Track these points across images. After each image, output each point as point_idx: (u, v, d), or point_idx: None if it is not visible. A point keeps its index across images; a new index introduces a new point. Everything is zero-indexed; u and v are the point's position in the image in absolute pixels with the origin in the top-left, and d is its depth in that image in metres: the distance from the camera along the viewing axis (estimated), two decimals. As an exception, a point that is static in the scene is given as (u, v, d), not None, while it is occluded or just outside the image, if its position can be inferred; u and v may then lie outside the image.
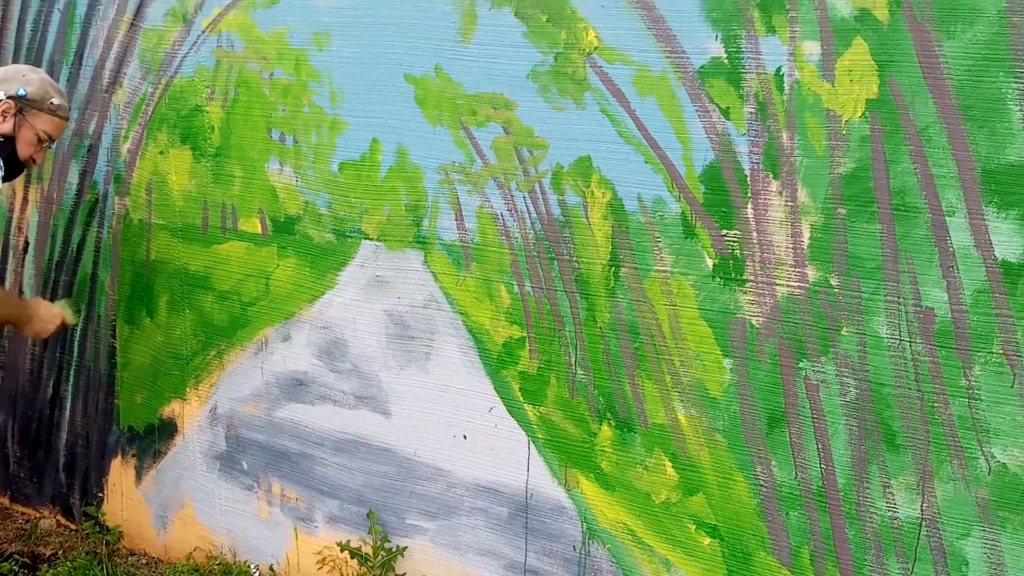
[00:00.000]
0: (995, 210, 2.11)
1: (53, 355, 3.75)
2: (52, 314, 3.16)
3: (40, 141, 3.00)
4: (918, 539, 2.29)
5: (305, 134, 3.02)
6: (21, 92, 2.92)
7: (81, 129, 3.51)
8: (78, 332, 3.67)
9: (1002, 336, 2.12)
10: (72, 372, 3.73)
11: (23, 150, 2.98)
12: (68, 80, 3.50)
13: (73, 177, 3.56)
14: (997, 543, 2.19)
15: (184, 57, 3.22)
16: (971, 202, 2.13)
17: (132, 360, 3.56)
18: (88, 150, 3.51)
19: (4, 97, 2.91)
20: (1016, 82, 2.06)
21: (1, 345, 3.92)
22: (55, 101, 2.98)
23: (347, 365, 3.08)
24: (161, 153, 3.33)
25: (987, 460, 2.18)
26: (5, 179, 3.03)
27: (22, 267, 3.79)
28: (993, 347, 2.13)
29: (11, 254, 3.81)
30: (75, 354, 3.70)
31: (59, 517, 3.88)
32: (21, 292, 3.81)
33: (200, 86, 3.20)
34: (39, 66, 3.50)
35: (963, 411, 2.19)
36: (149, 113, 3.34)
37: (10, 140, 2.94)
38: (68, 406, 3.77)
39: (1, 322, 3.14)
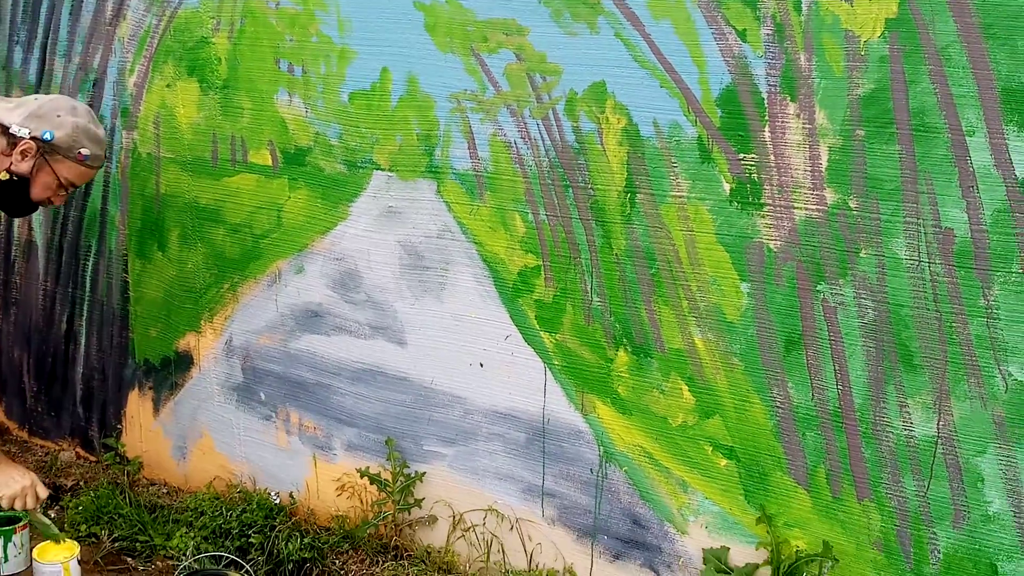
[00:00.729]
0: (1015, 129, 2.10)
1: (65, 290, 3.76)
2: (15, 493, 2.83)
3: (61, 186, 2.83)
4: (934, 456, 2.32)
5: (314, 64, 2.99)
6: (47, 136, 2.71)
7: (86, 63, 3.47)
8: (90, 267, 3.68)
9: (1022, 255, 2.13)
10: (86, 306, 3.74)
11: (38, 192, 2.80)
12: (71, 14, 3.46)
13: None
14: (1013, 459, 2.23)
15: (188, -14, 3.18)
16: (991, 121, 2.12)
17: (145, 294, 3.57)
18: (93, 84, 3.48)
19: (28, 136, 2.70)
20: (1039, -1, 2.04)
21: (13, 281, 3.92)
22: (85, 151, 2.78)
23: (362, 296, 3.09)
24: (168, 86, 3.30)
25: (1004, 378, 2.21)
26: (11, 215, 2.90)
27: (30, 203, 3.77)
28: (1012, 266, 2.14)
29: (19, 190, 3.79)
30: (88, 288, 3.71)
31: (78, 449, 3.93)
32: (31, 229, 3.81)
33: (205, 17, 3.16)
34: (40, 5, 3.44)
35: (981, 330, 2.21)
36: (154, 45, 3.31)
37: (25, 180, 2.76)
38: (83, 340, 3.79)
39: None
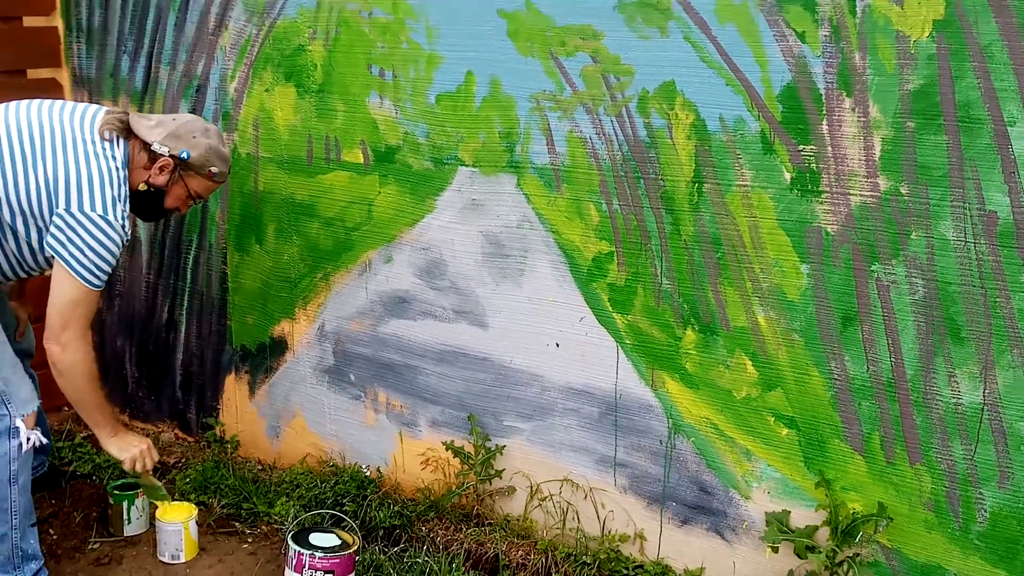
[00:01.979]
0: (1054, 119, 2.30)
1: (168, 282, 4.07)
2: (135, 455, 3.17)
3: (190, 197, 3.14)
4: (980, 422, 2.52)
5: (403, 69, 3.26)
6: (184, 155, 3.01)
7: (190, 70, 3.78)
8: (191, 260, 3.99)
9: (1060, 235, 2.33)
10: (186, 297, 4.05)
11: (171, 203, 3.13)
12: (176, 25, 3.77)
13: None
14: (1054, 423, 2.43)
15: (287, 0, 3.46)
16: (1032, 113, 2.33)
17: (243, 284, 3.87)
18: (197, 90, 3.79)
19: (167, 154, 2.99)
20: (1074, 0, 2.24)
21: (117, 274, 4.24)
22: (214, 169, 3.09)
23: (446, 283, 3.35)
24: (267, 91, 3.60)
25: (1045, 348, 2.40)
26: (144, 220, 3.27)
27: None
28: (1051, 245, 2.34)
29: (125, 190, 4.11)
30: (188, 280, 4.02)
31: (177, 431, 4.24)
32: (135, 225, 4.13)
33: (302, 27, 3.45)
34: (147, 14, 3.77)
35: (1023, 305, 2.40)
36: (254, 54, 3.60)
37: (161, 192, 3.08)
38: (183, 329, 4.10)
39: (89, 420, 3.12)
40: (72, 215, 2.80)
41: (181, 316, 4.09)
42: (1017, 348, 2.43)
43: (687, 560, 3.08)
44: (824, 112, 2.59)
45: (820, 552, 2.71)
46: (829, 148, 2.60)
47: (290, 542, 3.01)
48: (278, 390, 3.88)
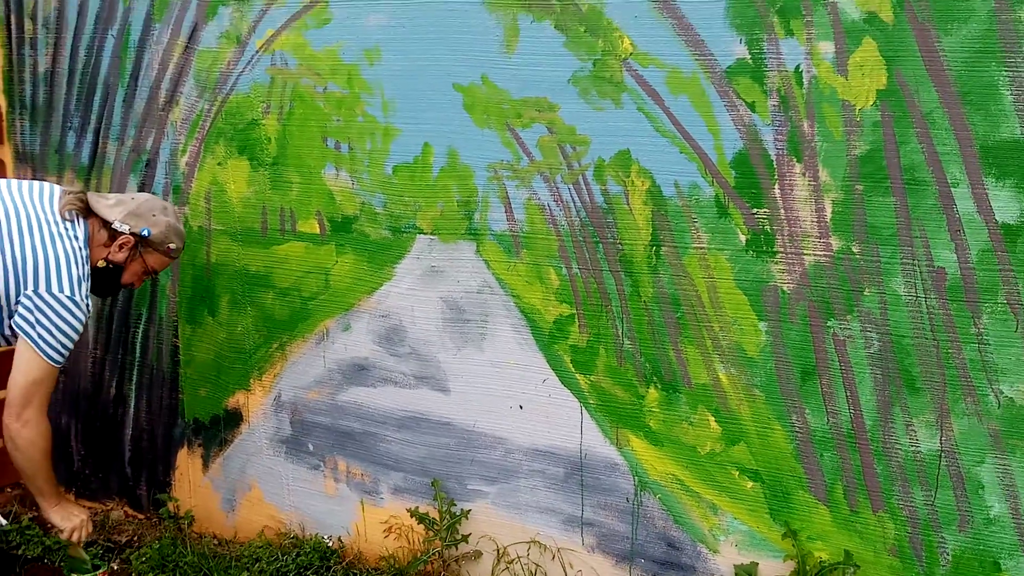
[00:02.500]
0: (993, 180, 2.45)
1: (115, 356, 4.02)
2: (74, 525, 3.24)
3: (146, 273, 3.23)
4: (939, 469, 2.64)
5: (360, 141, 3.32)
6: (145, 232, 3.10)
7: (139, 145, 3.78)
8: (140, 334, 3.95)
9: (1005, 288, 2.47)
10: (135, 371, 4.00)
11: (127, 278, 3.21)
12: (124, 100, 3.77)
13: (132, 191, 3.82)
14: (1008, 467, 2.55)
15: (239, 75, 3.50)
16: (972, 174, 2.47)
17: (195, 357, 3.84)
18: (146, 165, 3.78)
19: (128, 232, 3.08)
20: (1007, 70, 2.40)
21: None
22: (172, 246, 3.20)
23: (406, 349, 3.38)
24: (219, 164, 3.61)
25: (996, 396, 2.53)
26: (100, 296, 3.32)
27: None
28: (998, 298, 2.48)
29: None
30: (138, 354, 3.97)
31: (126, 508, 4.16)
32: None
33: (256, 101, 3.49)
34: (94, 91, 3.77)
35: (974, 355, 2.54)
36: (206, 128, 3.62)
37: (119, 268, 3.15)
38: (132, 404, 4.04)
39: (36, 490, 3.16)
40: (40, 296, 2.81)
41: (130, 391, 4.04)
42: (970, 396, 2.56)
43: (657, 616, 3.13)
44: (776, 177, 2.71)
45: (790, 602, 2.79)
46: (782, 211, 2.71)
47: (262, 619, 2.99)
48: (233, 463, 3.85)
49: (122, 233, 3.06)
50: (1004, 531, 2.58)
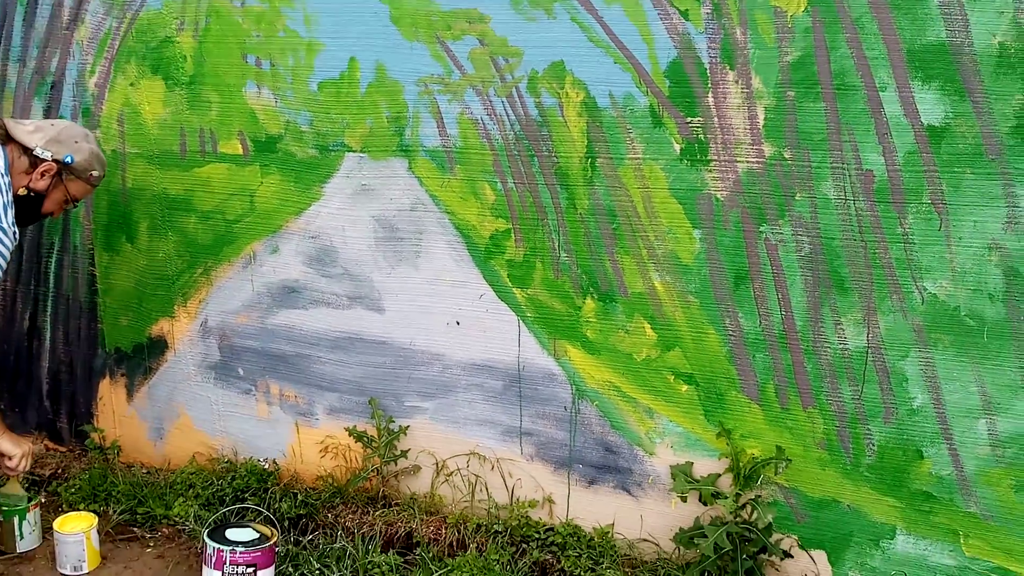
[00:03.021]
0: (919, 84, 2.54)
1: (27, 288, 3.89)
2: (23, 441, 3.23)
3: (67, 202, 3.13)
4: (865, 364, 2.76)
5: (282, 57, 3.24)
6: (68, 159, 3.01)
7: (42, 67, 3.62)
8: (52, 263, 3.82)
9: (929, 188, 2.57)
10: (49, 303, 3.88)
11: (48, 207, 3.10)
12: (24, 19, 3.59)
13: (37, 114, 3.67)
14: (931, 360, 2.68)
15: (150, -10, 3.37)
16: (899, 78, 2.55)
17: (114, 285, 3.74)
18: (51, 87, 3.63)
19: (50, 159, 2.98)
20: (933, -25, 2.47)
21: (-32, 284, 4.02)
22: (95, 173, 3.10)
23: (338, 269, 3.36)
24: (132, 85, 3.49)
25: (920, 293, 2.65)
26: (20, 224, 3.17)
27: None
28: (923, 198, 2.58)
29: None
30: (51, 285, 3.85)
31: (47, 442, 4.06)
32: None
33: (169, 18, 3.36)
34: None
35: (900, 254, 2.65)
36: (115, 47, 3.48)
37: (40, 196, 3.04)
38: (48, 335, 3.92)
39: None
40: None
41: (45, 323, 3.92)
42: (896, 294, 2.67)
43: (597, 518, 3.22)
44: (709, 85, 2.75)
45: (726, 497, 2.90)
46: (715, 119, 2.76)
47: (207, 540, 2.97)
48: (159, 391, 3.78)
49: (44, 160, 2.95)
50: (926, 421, 2.72)
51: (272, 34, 3.23)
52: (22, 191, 2.97)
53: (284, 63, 3.24)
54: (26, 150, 2.95)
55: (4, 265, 2.84)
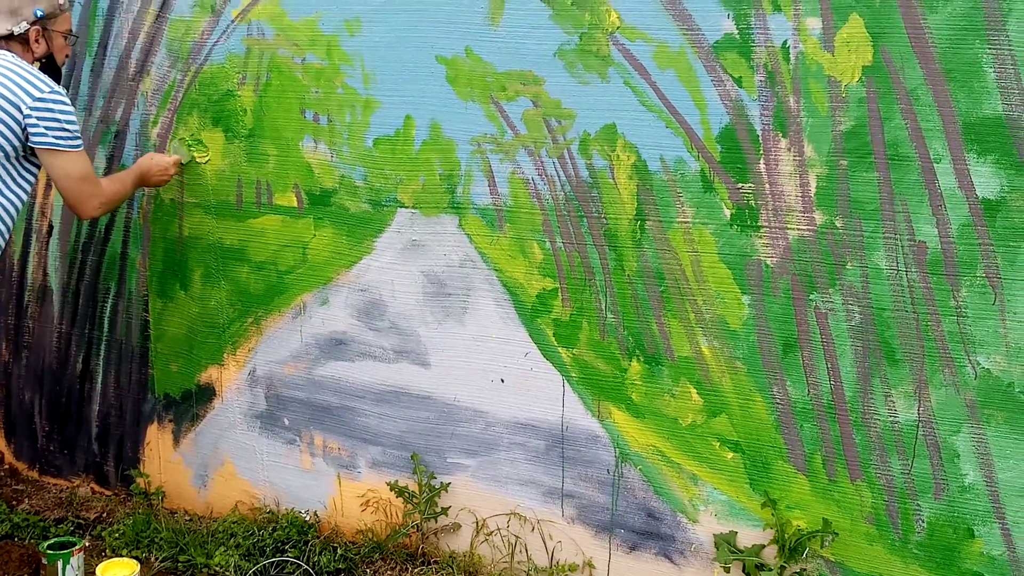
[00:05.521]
0: (975, 156, 2.51)
1: (82, 331, 3.96)
2: (163, 166, 3.48)
3: (66, 39, 3.27)
4: (916, 438, 2.71)
5: (339, 113, 3.30)
6: (39, 13, 3.14)
7: (108, 116, 3.71)
8: (108, 308, 3.89)
9: (984, 262, 2.54)
10: (103, 346, 3.94)
11: (60, 57, 3.28)
12: (92, 70, 3.70)
13: (100, 162, 3.76)
14: (983, 436, 2.62)
15: (214, 45, 3.46)
16: (954, 150, 2.53)
17: (166, 332, 3.80)
18: (115, 136, 3.72)
19: (29, 25, 3.13)
20: (990, 48, 2.46)
21: (25, 325, 4.10)
22: (61, 2, 3.22)
23: (386, 323, 3.38)
24: (193, 136, 3.56)
25: (973, 367, 2.60)
26: None
27: (46, 250, 3.98)
28: (977, 271, 2.55)
29: (34, 238, 4.00)
30: (105, 329, 3.92)
31: (93, 485, 4.10)
32: (45, 274, 4.01)
33: (231, 72, 3.44)
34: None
35: (952, 327, 2.60)
36: (179, 99, 3.57)
37: (50, 58, 3.23)
38: (99, 379, 3.98)
39: (123, 197, 3.41)
40: (42, 100, 3.02)
41: (98, 366, 3.98)
42: (948, 368, 2.62)
43: (637, 585, 3.18)
44: (761, 152, 2.75)
45: (770, 570, 2.84)
46: (767, 185, 2.75)
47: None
48: (205, 438, 3.81)
49: (26, 31, 3.13)
50: (978, 498, 2.66)
51: (331, 91, 3.30)
52: (37, 64, 3.19)
53: (341, 119, 3.30)
54: (10, 37, 3.13)
55: (77, 120, 3.12)
